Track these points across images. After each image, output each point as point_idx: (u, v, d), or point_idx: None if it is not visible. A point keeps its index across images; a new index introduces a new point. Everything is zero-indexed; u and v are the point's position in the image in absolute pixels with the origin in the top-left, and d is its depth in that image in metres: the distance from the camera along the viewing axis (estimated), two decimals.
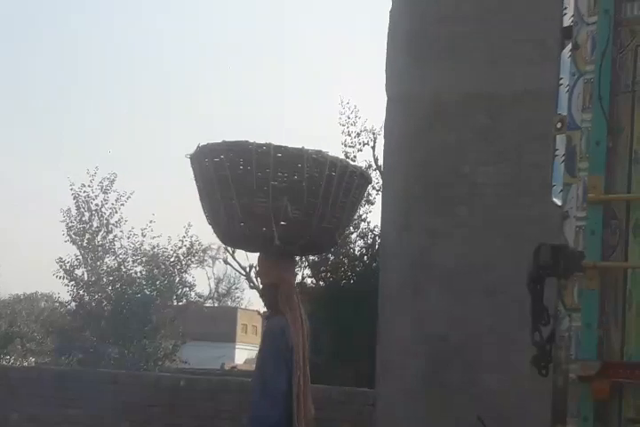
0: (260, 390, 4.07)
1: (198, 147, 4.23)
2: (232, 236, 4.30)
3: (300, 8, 71.95)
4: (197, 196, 4.36)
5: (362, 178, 4.36)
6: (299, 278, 12.62)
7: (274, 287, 4.20)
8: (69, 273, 20.44)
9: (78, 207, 21.03)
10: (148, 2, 67.96)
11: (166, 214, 50.79)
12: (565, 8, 2.92)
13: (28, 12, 62.66)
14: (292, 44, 71.33)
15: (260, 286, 4.41)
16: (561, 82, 2.92)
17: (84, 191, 21.04)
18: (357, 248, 13.23)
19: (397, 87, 7.58)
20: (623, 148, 2.69)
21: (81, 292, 20.43)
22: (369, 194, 14.46)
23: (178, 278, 21.35)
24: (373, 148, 15.98)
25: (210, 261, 38.41)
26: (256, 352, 4.51)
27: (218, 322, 36.35)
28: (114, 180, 21.18)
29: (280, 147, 4.08)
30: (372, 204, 14.43)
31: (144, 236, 21.14)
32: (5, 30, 63.21)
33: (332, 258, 12.31)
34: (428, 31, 7.48)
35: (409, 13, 7.57)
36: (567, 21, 2.90)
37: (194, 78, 66.76)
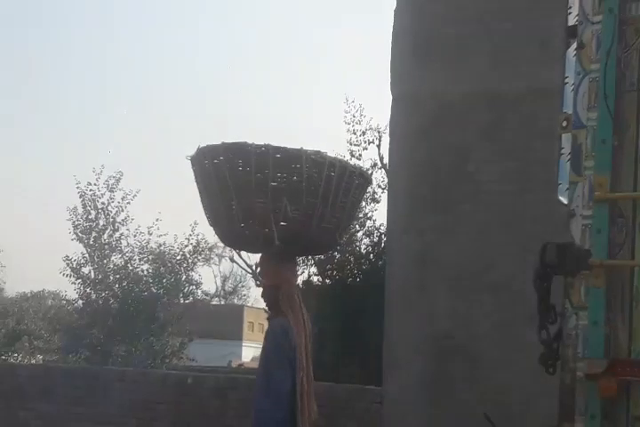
0: (264, 388, 4.07)
1: (198, 148, 4.24)
2: (232, 237, 4.31)
3: (308, 8, 71.86)
4: (199, 196, 4.38)
5: (362, 178, 4.36)
6: (305, 276, 12.64)
7: (275, 288, 4.19)
8: (76, 271, 20.42)
9: (85, 206, 20.99)
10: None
11: (173, 213, 50.77)
12: (570, 7, 2.93)
13: (30, 9, 62.67)
14: (298, 43, 71.27)
15: (261, 287, 4.37)
16: (566, 81, 2.93)
17: (91, 190, 20.99)
18: (363, 246, 13.22)
19: (402, 87, 7.60)
20: (629, 146, 2.70)
21: (88, 290, 20.42)
22: (374, 192, 14.46)
23: (184, 276, 21.32)
24: (379, 146, 15.97)
25: (216, 259, 38.54)
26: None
27: (224, 320, 36.30)
28: (120, 178, 21.16)
29: (279, 148, 4.09)
30: (378, 202, 14.43)
31: (150, 234, 21.11)
32: (6, 30, 63.32)
33: (337, 256, 12.29)
34: (432, 31, 7.49)
35: (413, 13, 7.58)
36: (572, 20, 2.90)
37: (204, 77, 66.77)
